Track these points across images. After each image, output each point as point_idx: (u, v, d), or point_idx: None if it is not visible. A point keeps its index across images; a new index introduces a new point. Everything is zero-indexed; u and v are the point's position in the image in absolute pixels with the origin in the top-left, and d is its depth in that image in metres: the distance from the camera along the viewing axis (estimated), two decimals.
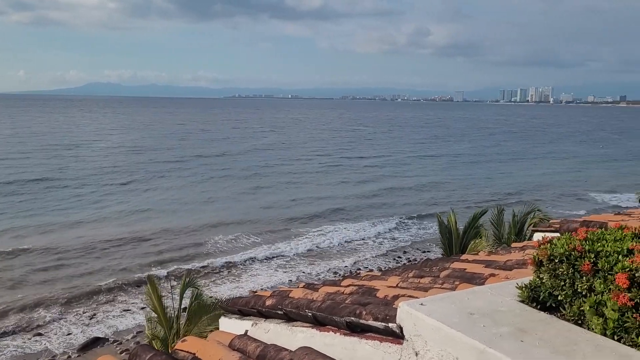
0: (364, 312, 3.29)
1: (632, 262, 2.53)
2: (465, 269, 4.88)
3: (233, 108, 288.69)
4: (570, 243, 2.83)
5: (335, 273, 25.41)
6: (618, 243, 2.84)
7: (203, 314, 11.35)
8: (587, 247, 2.76)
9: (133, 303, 21.32)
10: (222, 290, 22.90)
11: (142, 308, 19.90)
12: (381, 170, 59.24)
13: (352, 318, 3.29)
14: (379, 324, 3.07)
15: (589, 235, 2.95)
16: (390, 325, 2.97)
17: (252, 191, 45.27)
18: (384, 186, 49.04)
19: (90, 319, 19.88)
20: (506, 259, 5.14)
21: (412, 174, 57.41)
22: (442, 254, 20.59)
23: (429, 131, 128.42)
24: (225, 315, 4.92)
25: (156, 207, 37.73)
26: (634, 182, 50.84)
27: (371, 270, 21.12)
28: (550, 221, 8.04)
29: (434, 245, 28.33)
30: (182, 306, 12.46)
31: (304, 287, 4.87)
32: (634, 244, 2.84)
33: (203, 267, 25.83)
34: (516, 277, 3.86)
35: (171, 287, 19.29)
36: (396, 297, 3.69)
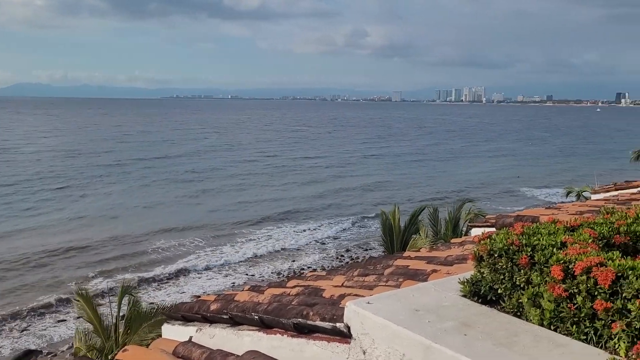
0: (311, 313, 3.28)
1: (565, 254, 2.64)
2: (409, 265, 4.97)
3: (172, 109, 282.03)
4: (508, 238, 2.93)
5: (279, 274, 25.35)
6: (552, 236, 2.97)
7: (143, 321, 11.01)
8: (524, 242, 2.87)
9: (68, 313, 20.43)
10: (165, 296, 22.34)
11: (78, 318, 19.12)
12: (326, 171, 59.57)
13: (300, 319, 3.27)
14: (327, 324, 3.07)
15: (525, 230, 3.07)
16: (337, 325, 2.97)
17: (197, 194, 44.39)
18: (329, 187, 49.40)
19: (22, 332, 18.88)
20: (447, 255, 5.27)
21: (357, 173, 58.08)
22: (383, 252, 20.98)
23: (371, 131, 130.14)
24: (168, 322, 4.78)
25: (95, 214, 36.30)
26: (562, 178, 53.62)
27: (315, 270, 21.21)
28: (487, 216, 8.34)
29: (377, 243, 28.78)
30: (122, 314, 12.06)
31: (249, 289, 4.81)
32: (567, 237, 2.98)
33: (145, 274, 25.10)
34: (457, 272, 3.97)
35: (109, 295, 18.61)
36: (342, 297, 3.71)
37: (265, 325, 3.60)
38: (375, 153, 78.28)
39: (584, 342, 2.43)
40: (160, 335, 4.96)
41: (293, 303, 3.74)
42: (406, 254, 6.20)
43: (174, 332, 4.54)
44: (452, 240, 7.57)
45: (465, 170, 62.15)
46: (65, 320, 19.92)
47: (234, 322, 3.92)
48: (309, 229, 34.18)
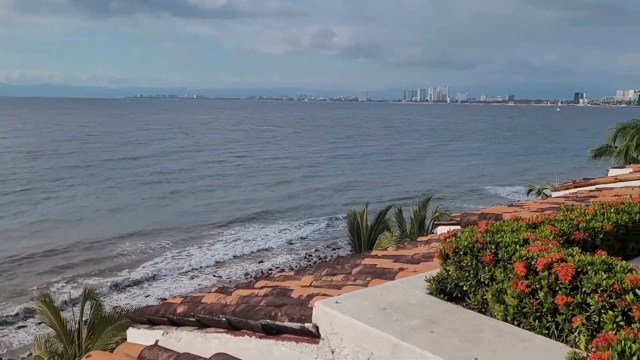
0: (279, 314, 3.27)
1: (528, 251, 2.71)
2: (376, 264, 5.01)
3: (136, 108, 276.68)
4: (473, 236, 2.98)
5: (247, 275, 25.20)
6: (515, 234, 3.04)
7: (106, 325, 10.78)
8: (488, 239, 2.93)
9: (27, 319, 19.85)
10: (131, 300, 21.93)
11: (39, 323, 18.58)
12: (295, 171, 59.37)
13: (268, 320, 3.26)
14: (295, 325, 3.06)
15: (489, 228, 3.13)
16: (306, 325, 2.97)
17: (164, 196, 43.54)
18: (298, 187, 49.30)
19: None
20: (413, 253, 5.33)
21: (326, 174, 58.14)
22: (351, 251, 21.11)
23: (339, 131, 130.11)
24: (133, 326, 4.70)
25: (59, 217, 35.24)
26: (524, 176, 54.89)
27: (283, 271, 21.18)
28: (452, 215, 8.46)
29: (345, 243, 28.90)
30: (85, 319, 11.78)
31: (216, 291, 4.76)
32: (529, 234, 3.05)
33: (111, 278, 24.57)
34: (424, 270, 4.01)
35: (71, 301, 18.14)
36: (311, 297, 3.71)
37: (233, 327, 3.57)
38: (344, 153, 78.49)
39: (546, 336, 2.49)
40: (126, 340, 4.86)
41: (261, 304, 3.72)
42: (373, 252, 6.25)
43: (140, 336, 4.46)
44: (419, 239, 7.65)
45: (431, 169, 62.99)
46: (25, 326, 19.33)
47: (201, 324, 3.88)
48: (278, 230, 34.09)
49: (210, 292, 4.93)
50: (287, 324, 3.12)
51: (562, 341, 2.44)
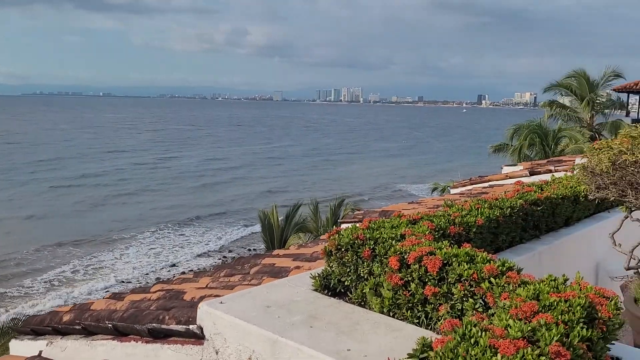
0: (167, 317, 3.23)
1: (402, 245, 2.87)
2: (275, 263, 5.06)
3: (37, 107, 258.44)
4: (354, 233, 3.11)
5: (158, 279, 24.46)
6: (394, 230, 3.20)
7: None
8: (367, 235, 3.06)
9: None
10: (29, 309, 20.58)
11: None
12: (220, 174, 57.81)
13: (154, 324, 3.21)
14: (181, 327, 3.05)
15: (370, 225, 3.28)
16: (191, 327, 2.96)
17: (74, 205, 40.78)
18: (222, 190, 48.33)
19: None
20: (312, 251, 5.43)
21: (251, 175, 57.35)
22: (265, 250, 21.08)
23: (261, 131, 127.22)
24: (16, 338, 4.43)
25: None
26: (433, 174, 57.26)
27: (184, 273, 20.79)
28: (355, 212, 8.70)
29: (261, 243, 28.81)
30: None
31: (108, 297, 4.60)
32: (407, 229, 3.22)
33: (10, 289, 22.93)
34: (319, 267, 4.12)
35: None
36: (203, 298, 3.69)
37: (120, 333, 3.48)
38: (270, 155, 77.13)
39: (417, 325, 2.66)
40: (8, 352, 4.58)
41: (151, 308, 3.65)
42: (275, 252, 6.30)
43: (23, 348, 4.23)
44: (322, 237, 7.81)
45: (355, 169, 63.90)
46: None
47: (88, 332, 3.74)
48: (195, 234, 33.40)
49: (103, 298, 4.76)
50: (173, 327, 3.09)
51: (430, 329, 2.61)
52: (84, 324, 3.70)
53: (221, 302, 2.90)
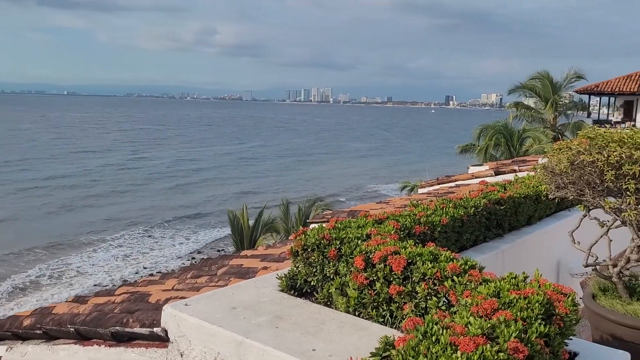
0: (131, 320, 3.18)
1: (367, 245, 2.89)
2: (242, 264, 5.03)
3: None
4: (320, 233, 3.12)
5: (125, 282, 24.03)
6: (360, 229, 3.22)
7: None
8: (334, 235, 3.08)
9: None
10: None
11: None
12: (193, 175, 56.85)
13: (118, 328, 3.16)
14: (145, 330, 3.00)
15: (337, 225, 3.29)
16: (155, 330, 2.93)
17: (41, 207, 39.44)
18: (195, 191, 47.58)
19: None
20: (281, 252, 5.43)
21: (224, 176, 56.57)
22: (234, 252, 20.94)
23: (232, 131, 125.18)
24: None
25: None
26: (403, 173, 57.79)
27: (151, 275, 20.53)
28: (324, 212, 8.73)
29: (230, 244, 28.61)
30: None
31: (71, 300, 4.50)
32: (373, 229, 3.25)
33: None
34: (286, 268, 4.12)
35: None
36: (168, 300, 3.64)
37: (83, 337, 3.41)
38: (243, 155, 76.15)
39: (382, 324, 2.68)
40: None
41: (115, 311, 3.59)
42: (243, 252, 6.27)
43: None
44: (291, 237, 7.80)
45: (319, 167, 64.01)
46: None
47: (50, 336, 3.66)
48: (166, 236, 32.91)
49: (65, 301, 4.65)
50: (137, 330, 3.05)
51: (395, 328, 2.64)
52: (45, 328, 3.62)
53: (186, 304, 2.87)
